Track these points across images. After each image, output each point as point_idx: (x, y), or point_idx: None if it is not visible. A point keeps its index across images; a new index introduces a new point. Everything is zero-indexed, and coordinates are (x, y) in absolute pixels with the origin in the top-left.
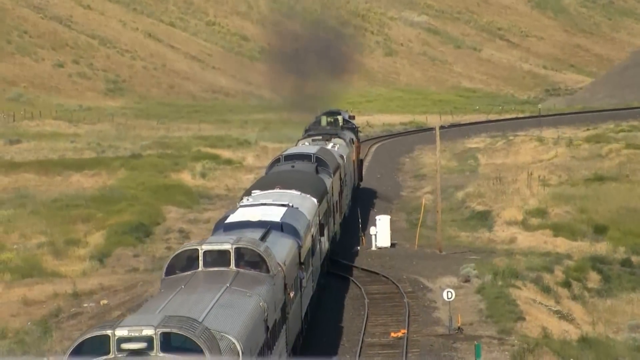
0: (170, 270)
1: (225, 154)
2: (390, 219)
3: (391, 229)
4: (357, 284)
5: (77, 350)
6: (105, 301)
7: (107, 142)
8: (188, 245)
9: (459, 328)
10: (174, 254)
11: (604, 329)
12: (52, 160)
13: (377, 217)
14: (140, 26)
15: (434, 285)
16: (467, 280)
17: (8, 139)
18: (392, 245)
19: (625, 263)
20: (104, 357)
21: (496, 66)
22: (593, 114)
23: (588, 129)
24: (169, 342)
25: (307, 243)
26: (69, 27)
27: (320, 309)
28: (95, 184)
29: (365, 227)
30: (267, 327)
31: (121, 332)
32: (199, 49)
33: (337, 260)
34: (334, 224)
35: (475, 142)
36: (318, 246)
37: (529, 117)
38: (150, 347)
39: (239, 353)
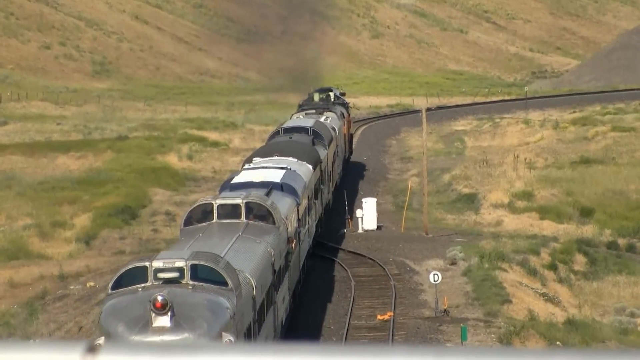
0: (188, 222)
1: (212, 136)
2: (377, 202)
3: (377, 212)
4: (344, 266)
5: (119, 280)
6: (91, 283)
7: (93, 124)
8: (203, 200)
9: (445, 310)
10: (191, 208)
11: (590, 312)
12: (38, 142)
13: (364, 200)
14: (126, 8)
15: (420, 268)
16: (453, 263)
17: None
18: (379, 227)
19: (611, 245)
20: (143, 284)
21: (482, 49)
22: (579, 97)
23: (574, 112)
24: (197, 273)
25: (304, 203)
26: (56, 8)
27: (307, 291)
28: (82, 166)
29: (351, 210)
30: (274, 271)
31: (157, 264)
32: (186, 30)
33: (323, 242)
34: (328, 192)
35: (461, 125)
36: (314, 208)
37: (515, 100)
38: (181, 276)
39: (253, 287)
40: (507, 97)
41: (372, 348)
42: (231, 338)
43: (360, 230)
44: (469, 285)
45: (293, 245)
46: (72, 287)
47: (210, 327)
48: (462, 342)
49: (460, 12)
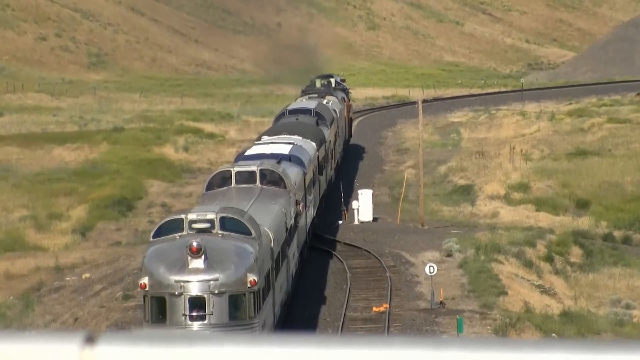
0: (209, 187)
1: (208, 127)
2: (373, 194)
3: (373, 204)
4: (340, 258)
5: (159, 230)
6: (87, 275)
7: (89, 115)
8: (222, 168)
9: (441, 302)
10: (212, 175)
11: (585, 304)
12: (34, 133)
13: (360, 192)
14: None
15: (416, 260)
16: (449, 255)
17: None
18: (375, 219)
19: (607, 237)
20: (179, 233)
21: (479, 40)
22: (575, 88)
23: (570, 104)
24: (225, 224)
25: (310, 174)
26: (52, 0)
27: (303, 282)
28: (78, 157)
29: (347, 202)
30: (286, 228)
31: (192, 216)
32: (182, 22)
33: (319, 234)
34: (331, 168)
35: (457, 117)
36: (317, 181)
37: (511, 92)
38: (212, 226)
39: (271, 239)
40: (503, 89)
41: (369, 339)
42: (255, 278)
43: (356, 222)
44: (464, 277)
45: (300, 207)
46: (67, 278)
47: (237, 268)
48: (458, 334)
49: (456, 3)
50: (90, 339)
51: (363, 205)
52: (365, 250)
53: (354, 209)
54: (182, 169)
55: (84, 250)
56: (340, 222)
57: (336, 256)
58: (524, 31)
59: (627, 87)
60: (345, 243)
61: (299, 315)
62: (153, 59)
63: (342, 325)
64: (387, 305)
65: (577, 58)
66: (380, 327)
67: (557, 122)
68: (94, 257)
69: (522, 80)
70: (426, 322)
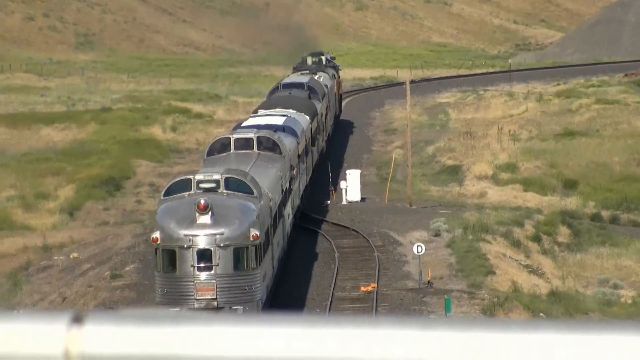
0: (210, 152)
1: (196, 108)
2: (361, 173)
3: (361, 183)
4: (327, 238)
5: (169, 189)
6: (75, 254)
7: (77, 95)
8: (222, 135)
9: (429, 282)
10: (212, 141)
11: (573, 283)
12: (22, 113)
13: (348, 172)
14: None
15: (404, 240)
16: (437, 235)
17: None
18: (363, 199)
19: (595, 217)
20: (188, 192)
21: (467, 21)
22: (563, 69)
23: (558, 84)
24: (229, 184)
25: (303, 144)
26: None
27: (291, 261)
28: (66, 137)
29: (335, 182)
30: (282, 190)
31: (199, 176)
32: (170, 2)
33: (307, 214)
34: (322, 140)
35: (445, 97)
36: (310, 152)
37: (499, 72)
38: (217, 186)
39: (270, 199)
40: (490, 70)
41: (356, 319)
42: (257, 232)
43: (344, 202)
44: (452, 256)
45: (295, 172)
46: (55, 258)
47: (241, 223)
48: (446, 314)
49: None
50: (77, 319)
51: (351, 185)
52: (354, 230)
53: (342, 189)
54: (170, 149)
55: (72, 229)
56: (328, 201)
57: (324, 236)
58: (512, 12)
59: (614, 68)
60: (333, 223)
61: (287, 294)
62: (141, 39)
63: (330, 305)
64: (375, 285)
65: (565, 39)
66: (368, 306)
67: (545, 103)
68: (82, 236)
69: (510, 60)
70: (414, 301)
